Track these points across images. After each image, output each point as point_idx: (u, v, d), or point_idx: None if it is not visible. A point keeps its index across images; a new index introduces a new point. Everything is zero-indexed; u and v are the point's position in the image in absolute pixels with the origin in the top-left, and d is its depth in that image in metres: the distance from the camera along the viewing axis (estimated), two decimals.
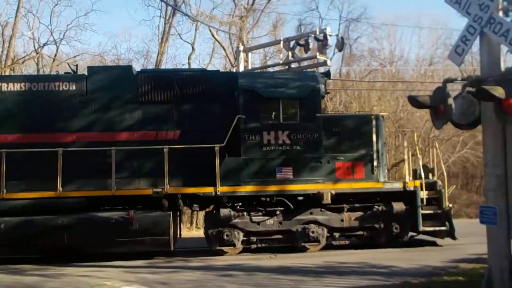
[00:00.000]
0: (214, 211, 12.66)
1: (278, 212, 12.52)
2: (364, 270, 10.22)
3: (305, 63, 18.47)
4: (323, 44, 15.03)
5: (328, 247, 13.00)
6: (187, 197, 12.38)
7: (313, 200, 12.53)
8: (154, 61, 29.49)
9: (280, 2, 34.65)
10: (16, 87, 12.54)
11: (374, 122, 12.98)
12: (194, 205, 12.64)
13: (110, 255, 12.18)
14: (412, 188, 12.73)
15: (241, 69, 17.86)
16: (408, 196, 12.77)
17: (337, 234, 12.95)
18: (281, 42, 16.58)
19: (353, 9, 57.26)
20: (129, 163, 12.45)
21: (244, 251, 12.68)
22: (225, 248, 12.51)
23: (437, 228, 12.75)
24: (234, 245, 12.49)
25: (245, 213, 12.53)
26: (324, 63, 15.61)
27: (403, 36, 63.65)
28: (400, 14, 61.15)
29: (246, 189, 12.35)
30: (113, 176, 11.90)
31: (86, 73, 13.13)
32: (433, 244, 13.29)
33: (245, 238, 12.61)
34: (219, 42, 27.66)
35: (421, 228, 12.70)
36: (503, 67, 6.29)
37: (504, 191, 6.17)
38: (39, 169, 11.93)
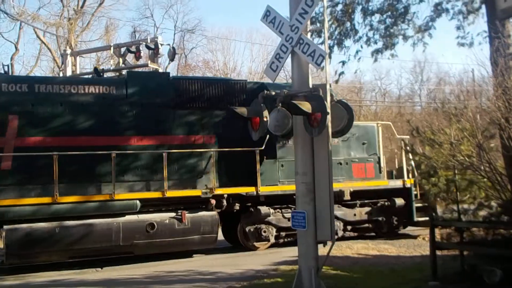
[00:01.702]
0: (252, 210, 13.52)
1: None
2: (192, 277, 10.37)
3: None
4: (154, 53, 15.01)
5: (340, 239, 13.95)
6: (230, 197, 13.20)
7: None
8: None
9: (112, 7, 33.63)
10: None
11: (379, 130, 15.43)
12: (236, 204, 13.38)
13: None
14: (408, 185, 15.04)
15: (69, 73, 16.98)
16: (404, 192, 15.07)
17: (349, 227, 14.70)
18: (112, 48, 16.16)
19: (188, 20, 57.89)
20: (175, 166, 12.92)
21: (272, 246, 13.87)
22: (256, 244, 13.69)
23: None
24: (268, 240, 13.68)
25: (277, 210, 13.75)
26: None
27: (237, 50, 66.36)
28: (233, 29, 64.02)
29: (282, 189, 13.56)
30: (165, 178, 12.31)
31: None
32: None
33: (276, 234, 13.83)
34: (45, 44, 26.01)
35: (415, 219, 14.97)
36: (311, 84, 6.89)
37: (312, 197, 6.74)
38: (91, 172, 12.17)
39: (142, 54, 15.76)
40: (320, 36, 9.63)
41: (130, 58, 16.68)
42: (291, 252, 11.72)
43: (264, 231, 13.59)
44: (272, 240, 13.74)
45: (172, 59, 16.23)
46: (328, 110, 6.43)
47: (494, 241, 8.74)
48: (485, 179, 9.12)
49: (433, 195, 9.81)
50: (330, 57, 12.15)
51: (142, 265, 12.15)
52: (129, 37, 31.93)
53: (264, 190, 13.30)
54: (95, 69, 15.25)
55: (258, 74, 34.45)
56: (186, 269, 11.23)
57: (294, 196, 12.86)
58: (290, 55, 6.85)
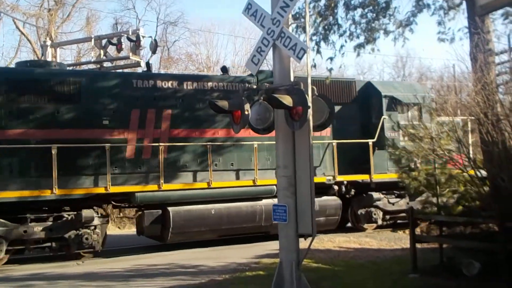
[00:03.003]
0: (364, 195, 15.27)
1: (406, 195, 15.04)
2: (173, 271, 10.36)
3: (121, 63, 18.10)
4: (136, 45, 14.87)
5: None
6: (348, 184, 14.96)
7: None
8: None
9: None
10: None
11: None
12: (352, 190, 15.10)
13: None
14: None
15: None
16: None
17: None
18: (92, 40, 15.98)
19: (171, 12, 57.31)
20: None
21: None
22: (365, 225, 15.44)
23: None
24: (376, 222, 15.42)
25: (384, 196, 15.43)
26: (138, 64, 15.46)
27: (219, 43, 66.08)
28: (216, 22, 63.24)
29: (390, 176, 14.76)
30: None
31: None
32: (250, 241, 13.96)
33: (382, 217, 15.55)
34: (24, 35, 25.60)
35: None
36: (292, 77, 6.88)
37: (293, 191, 6.73)
38: (239, 160, 13.89)
39: (123, 47, 15.63)
40: (305, 32, 9.64)
41: (111, 50, 16.53)
42: (274, 245, 11.67)
43: (374, 214, 15.35)
44: (379, 222, 15.49)
45: (154, 51, 16.11)
46: (309, 104, 6.43)
47: (473, 234, 8.89)
48: (465, 174, 9.25)
49: (413, 189, 9.88)
50: (319, 52, 12.18)
51: (123, 259, 12.15)
52: (110, 29, 31.57)
53: (376, 177, 15.02)
54: (223, 67, 15.34)
55: (241, 68, 34.32)
56: (168, 262, 11.24)
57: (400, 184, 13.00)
58: (271, 49, 6.83)
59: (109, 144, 12.23)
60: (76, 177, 12.20)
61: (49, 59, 16.91)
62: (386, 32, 11.76)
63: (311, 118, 6.57)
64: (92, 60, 16.24)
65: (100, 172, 12.31)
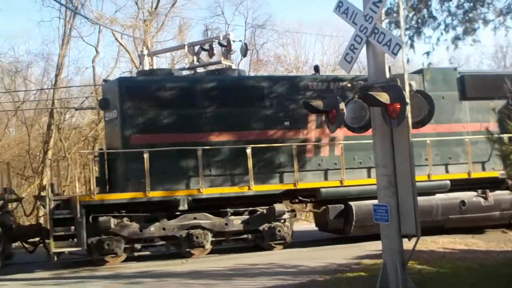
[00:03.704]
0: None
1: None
2: (274, 270, 10.46)
3: (212, 68, 18.60)
4: (227, 50, 15.20)
5: None
6: None
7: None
8: (55, 64, 28.31)
9: (185, 6, 34.36)
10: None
11: None
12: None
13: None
14: None
15: None
16: None
17: None
18: (186, 47, 16.54)
19: (258, 15, 57.94)
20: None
21: None
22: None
23: None
24: None
25: None
26: (230, 68, 15.78)
27: (307, 43, 65.60)
28: (304, 22, 63.07)
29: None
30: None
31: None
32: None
33: None
34: (123, 46, 27.08)
35: None
36: (387, 74, 6.70)
37: (394, 190, 6.58)
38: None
39: (215, 52, 16.05)
40: (398, 27, 9.33)
41: (203, 56, 17.02)
42: (373, 246, 11.60)
43: None
44: None
45: (244, 55, 16.33)
46: (407, 100, 6.23)
47: None
48: None
49: None
50: (412, 47, 11.72)
51: (225, 257, 12.46)
52: (201, 35, 32.56)
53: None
54: (316, 67, 15.87)
55: (330, 67, 33.96)
56: (268, 262, 11.35)
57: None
58: (365, 46, 6.70)
59: (295, 144, 13.20)
60: (267, 175, 13.27)
61: (146, 68, 17.77)
62: (486, 22, 11.06)
63: (409, 115, 6.37)
64: (186, 67, 16.76)
65: (286, 170, 13.32)
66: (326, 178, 13.61)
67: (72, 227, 11.67)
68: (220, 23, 38.75)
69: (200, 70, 16.37)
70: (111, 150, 12.89)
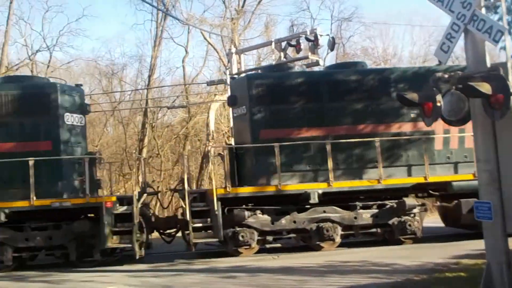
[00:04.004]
0: None
1: None
2: (366, 268, 10.25)
3: (298, 63, 18.55)
4: (314, 44, 15.10)
5: None
6: None
7: None
8: (148, 65, 29.61)
9: (271, 3, 34.57)
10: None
11: None
12: None
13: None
14: None
15: (234, 71, 17.91)
16: None
17: None
18: (273, 43, 16.64)
19: (344, 8, 56.77)
20: None
21: None
22: None
23: None
24: None
25: None
26: (317, 63, 15.68)
27: (396, 34, 63.57)
28: (392, 13, 61.06)
29: None
30: None
31: None
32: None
33: None
34: (211, 45, 27.71)
35: None
36: (488, 63, 6.29)
37: (498, 186, 6.17)
38: None
39: (302, 47, 16.00)
40: (496, 12, 8.76)
41: (290, 51, 17.02)
42: (472, 245, 11.10)
43: None
44: None
45: (332, 49, 16.21)
46: None
47: None
48: None
49: None
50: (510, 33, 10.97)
51: (313, 254, 12.41)
52: (287, 31, 32.57)
53: None
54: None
55: (420, 58, 32.69)
56: (361, 259, 11.14)
57: None
58: (462, 34, 6.33)
59: (425, 136, 13.11)
60: (395, 168, 13.26)
61: (234, 65, 18.09)
62: None
63: None
64: (274, 63, 16.85)
65: (414, 163, 13.25)
66: (456, 172, 13.32)
67: (208, 219, 12.31)
68: (305, 18, 38.67)
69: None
70: (241, 145, 13.41)
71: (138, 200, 12.29)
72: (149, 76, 28.67)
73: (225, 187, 12.57)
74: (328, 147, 12.59)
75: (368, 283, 8.84)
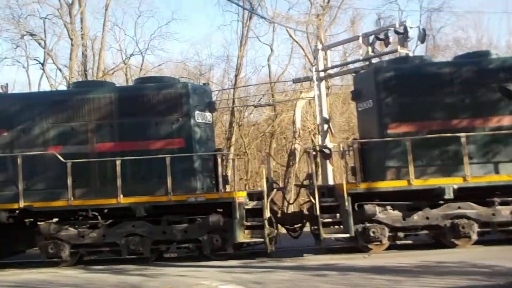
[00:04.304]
0: None
1: None
2: (464, 270, 9.76)
3: (386, 58, 18.04)
4: (403, 37, 14.58)
5: None
6: None
7: None
8: (234, 65, 30.12)
9: None
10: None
11: None
12: None
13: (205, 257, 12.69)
14: None
15: (321, 67, 17.72)
16: None
17: None
18: (360, 38, 16.26)
19: None
20: None
21: None
22: None
23: None
24: None
25: None
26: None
27: (491, 23, 59.92)
28: (485, 0, 57.73)
29: None
30: None
31: None
32: None
33: None
34: (297, 42, 27.69)
35: None
36: None
37: None
38: None
39: (390, 40, 15.50)
40: None
41: (377, 45, 16.55)
42: None
43: None
44: None
45: (422, 41, 15.54)
46: None
47: None
48: None
49: None
50: None
51: (408, 254, 12.06)
52: (373, 25, 31.79)
53: None
54: None
55: None
56: (457, 260, 10.62)
57: None
58: None
59: None
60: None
61: (320, 62, 17.91)
62: None
63: None
64: (361, 58, 16.48)
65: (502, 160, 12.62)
66: None
67: (337, 214, 12.41)
68: (393, 10, 37.55)
69: (374, 61, 15.99)
70: (368, 140, 13.12)
71: (268, 195, 12.48)
72: (236, 76, 29.12)
73: (355, 182, 12.51)
74: (463, 140, 12.14)
75: (467, 285, 8.41)
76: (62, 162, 12.69)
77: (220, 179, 12.67)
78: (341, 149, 14.53)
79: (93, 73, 28.62)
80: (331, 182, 15.97)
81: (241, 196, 12.51)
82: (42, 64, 29.45)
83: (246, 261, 12.36)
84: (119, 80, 33.29)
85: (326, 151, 14.27)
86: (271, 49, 30.43)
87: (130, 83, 31.02)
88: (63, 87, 28.74)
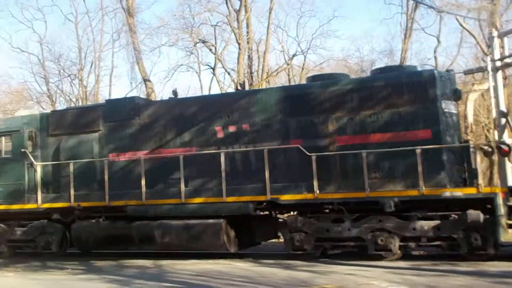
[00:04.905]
0: None
1: None
2: None
3: None
4: None
5: None
6: None
7: None
8: (398, 59, 29.11)
9: None
10: None
11: None
12: None
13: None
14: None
15: (496, 56, 16.25)
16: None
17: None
18: None
19: None
20: None
21: None
22: None
23: None
24: None
25: None
26: None
27: None
28: None
29: None
30: None
31: None
32: None
33: None
34: (467, 31, 25.78)
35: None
36: None
37: None
38: None
39: None
40: None
41: None
42: None
43: None
44: None
45: None
46: None
47: None
48: None
49: None
50: None
51: None
52: None
53: None
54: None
55: None
56: None
57: None
58: None
59: None
60: None
61: (496, 50, 16.41)
62: None
63: None
64: None
65: None
66: None
67: None
68: None
69: None
70: None
71: None
72: None
73: None
74: None
75: None
76: (305, 155, 12.80)
77: (478, 174, 11.96)
78: None
79: (258, 74, 29.80)
80: (510, 182, 14.55)
81: (503, 192, 11.63)
82: (213, 69, 31.47)
83: (415, 262, 11.82)
84: (281, 80, 34.27)
85: (504, 147, 13.01)
86: (438, 40, 28.90)
87: (292, 83, 31.80)
88: (231, 89, 30.44)
